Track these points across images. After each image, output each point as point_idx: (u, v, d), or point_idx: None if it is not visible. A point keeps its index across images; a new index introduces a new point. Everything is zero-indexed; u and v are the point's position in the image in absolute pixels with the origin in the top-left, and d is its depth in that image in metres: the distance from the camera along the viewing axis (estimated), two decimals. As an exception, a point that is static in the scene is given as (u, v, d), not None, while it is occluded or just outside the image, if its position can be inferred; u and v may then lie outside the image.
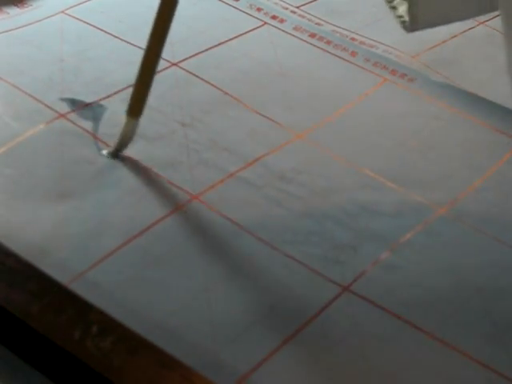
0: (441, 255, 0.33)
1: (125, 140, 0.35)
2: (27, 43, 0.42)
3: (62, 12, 0.44)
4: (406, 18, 0.33)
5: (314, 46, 0.45)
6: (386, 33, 0.47)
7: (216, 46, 0.43)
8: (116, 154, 0.35)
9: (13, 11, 0.44)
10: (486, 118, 0.41)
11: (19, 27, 0.43)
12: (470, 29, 0.48)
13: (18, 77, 0.39)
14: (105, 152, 0.36)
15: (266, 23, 0.46)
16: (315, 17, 0.47)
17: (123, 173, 0.35)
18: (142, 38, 0.43)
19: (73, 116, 0.37)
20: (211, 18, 0.46)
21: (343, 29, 0.47)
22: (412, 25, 0.33)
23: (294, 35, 0.45)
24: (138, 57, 0.41)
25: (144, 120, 0.38)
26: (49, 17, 0.44)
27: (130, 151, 0.36)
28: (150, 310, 0.29)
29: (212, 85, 0.40)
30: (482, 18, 0.49)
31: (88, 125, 0.37)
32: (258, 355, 0.28)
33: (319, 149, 0.37)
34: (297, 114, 0.39)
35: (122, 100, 0.39)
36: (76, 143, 0.36)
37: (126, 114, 0.35)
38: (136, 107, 0.35)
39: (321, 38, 0.45)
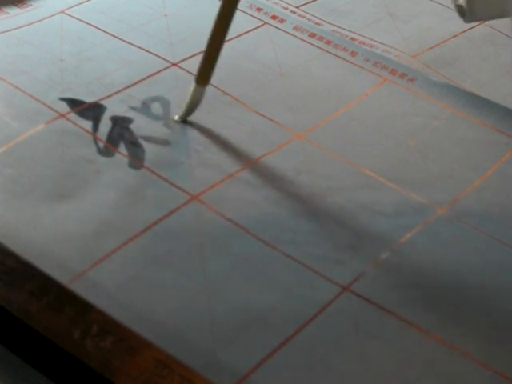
0: (441, 255, 0.33)
1: (192, 106, 0.38)
2: (27, 43, 0.42)
3: (62, 12, 0.44)
4: (465, 8, 0.33)
5: (314, 45, 0.45)
6: (385, 33, 0.47)
7: (216, 45, 0.43)
8: (185, 119, 0.38)
9: (13, 11, 0.44)
10: (485, 118, 0.41)
11: (19, 27, 0.43)
12: (470, 29, 0.48)
13: (17, 77, 0.39)
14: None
15: (265, 23, 0.46)
16: (315, 17, 0.47)
17: (123, 173, 0.35)
18: (142, 38, 0.43)
19: (73, 116, 0.37)
20: (211, 18, 0.45)
21: (343, 29, 0.47)
22: (470, 15, 0.33)
23: (293, 35, 0.45)
24: (137, 57, 0.42)
25: (143, 120, 0.38)
26: (49, 17, 0.44)
27: (123, 150, 0.36)
28: (150, 309, 0.29)
29: (212, 85, 0.40)
30: (481, 18, 0.49)
31: (88, 125, 0.37)
32: (257, 355, 0.28)
33: (319, 149, 0.37)
34: (297, 114, 0.39)
35: (122, 100, 0.39)
36: (76, 143, 0.36)
37: (194, 81, 0.37)
38: (204, 75, 0.37)
39: (321, 38, 0.45)
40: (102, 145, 0.36)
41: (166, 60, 0.42)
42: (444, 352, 0.29)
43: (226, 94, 0.40)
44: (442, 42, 0.47)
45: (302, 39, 0.45)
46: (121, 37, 0.43)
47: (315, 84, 0.42)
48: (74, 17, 0.44)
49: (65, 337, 0.27)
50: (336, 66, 0.43)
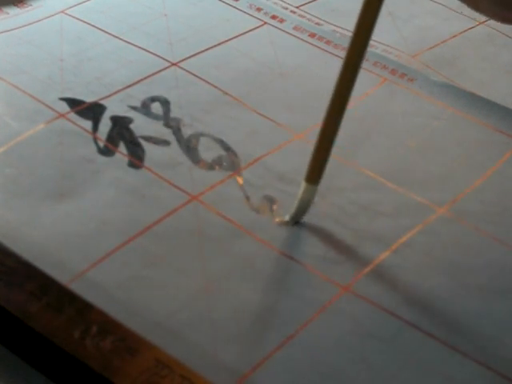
0: (441, 255, 0.33)
1: (303, 207, 0.33)
2: (27, 43, 0.42)
3: (62, 12, 0.44)
4: None
5: (314, 45, 0.45)
6: (385, 33, 0.47)
7: (216, 45, 0.43)
8: (294, 222, 0.33)
9: (13, 11, 0.44)
10: (485, 118, 0.41)
11: (19, 27, 0.43)
12: (469, 29, 0.48)
13: (17, 76, 0.39)
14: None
15: (265, 23, 0.46)
16: (315, 17, 0.47)
17: (123, 173, 0.35)
18: (142, 38, 0.43)
19: (73, 116, 0.37)
20: (211, 18, 0.46)
21: (343, 29, 0.47)
22: None
23: (293, 35, 0.45)
24: (137, 57, 0.42)
25: (143, 120, 0.38)
26: (49, 17, 0.44)
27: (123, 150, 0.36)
28: (150, 309, 0.29)
29: (212, 85, 0.40)
30: (482, 18, 0.49)
31: (88, 124, 0.37)
32: (257, 355, 0.28)
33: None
34: (297, 114, 0.39)
35: (122, 100, 0.39)
36: (76, 143, 0.36)
37: (304, 180, 0.33)
38: (315, 173, 0.33)
39: (320, 38, 0.45)
40: (101, 144, 0.36)
41: (165, 60, 0.42)
42: (444, 352, 0.29)
43: (226, 93, 0.40)
44: (442, 42, 0.47)
45: (301, 39, 0.45)
46: (121, 37, 0.43)
47: (315, 84, 0.42)
48: (73, 17, 0.44)
49: (65, 337, 0.27)
50: (336, 66, 0.43)
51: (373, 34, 0.46)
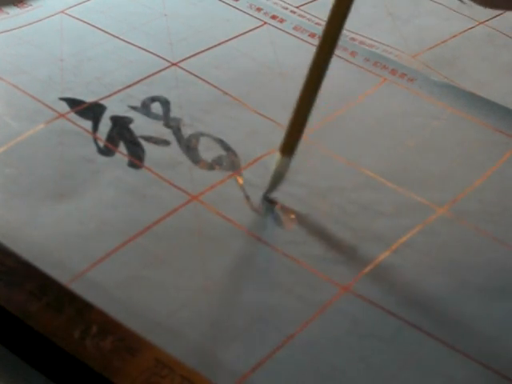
0: (441, 255, 0.33)
1: (277, 179, 0.34)
2: (27, 43, 0.42)
3: (62, 12, 0.44)
4: None
5: (314, 45, 0.44)
6: (385, 33, 0.47)
7: (216, 45, 0.43)
8: (269, 193, 0.34)
9: (13, 11, 0.44)
10: (485, 118, 0.41)
11: (19, 27, 0.43)
12: (469, 29, 0.48)
13: (17, 76, 0.39)
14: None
15: (265, 23, 0.46)
16: (315, 17, 0.47)
17: (123, 173, 0.35)
18: (142, 38, 0.43)
19: (73, 116, 0.37)
20: (211, 18, 0.46)
21: (343, 29, 0.46)
22: None
23: (293, 35, 0.45)
24: (137, 57, 0.42)
25: (143, 120, 0.38)
26: (49, 17, 0.44)
27: (124, 150, 0.36)
28: (150, 309, 0.29)
29: (212, 85, 0.40)
30: (482, 18, 0.49)
31: (88, 124, 0.37)
32: (257, 355, 0.28)
33: (319, 149, 0.37)
34: (297, 114, 0.39)
35: (122, 100, 0.39)
36: (76, 143, 0.36)
37: (278, 152, 0.34)
38: (290, 144, 0.34)
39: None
40: (101, 144, 0.36)
41: (165, 60, 0.42)
42: (444, 352, 0.29)
43: (226, 93, 0.40)
44: (442, 42, 0.47)
45: (301, 39, 0.45)
46: (121, 37, 0.43)
47: (315, 84, 0.42)
48: (73, 17, 0.44)
49: (65, 337, 0.27)
50: (336, 66, 0.43)
51: (373, 34, 0.47)
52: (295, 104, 0.33)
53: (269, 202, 0.34)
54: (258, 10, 0.47)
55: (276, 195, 0.35)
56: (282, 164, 0.34)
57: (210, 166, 0.36)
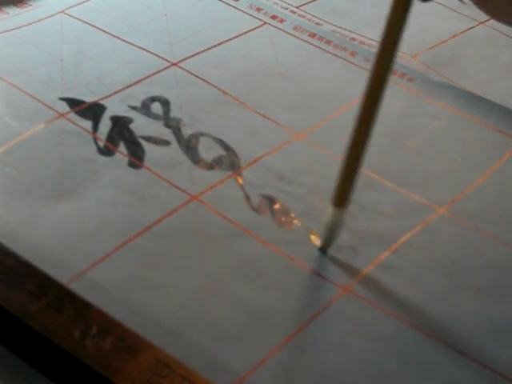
0: (441, 255, 0.33)
1: (333, 232, 0.32)
2: (27, 43, 0.42)
3: (62, 12, 0.44)
4: None
5: (314, 45, 0.45)
6: (385, 33, 0.47)
7: (216, 45, 0.43)
8: (326, 247, 0.32)
9: (13, 11, 0.44)
10: (485, 118, 0.41)
11: (19, 27, 0.43)
12: (469, 29, 0.48)
13: (17, 76, 0.39)
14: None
15: (265, 23, 0.46)
16: (315, 17, 0.47)
17: (123, 172, 0.35)
18: (142, 38, 0.43)
19: (73, 116, 0.37)
20: (211, 18, 0.46)
21: (343, 29, 0.47)
22: None
23: (293, 35, 0.45)
24: (137, 57, 0.42)
25: (143, 120, 0.38)
26: (49, 17, 0.44)
27: (122, 150, 0.36)
28: (150, 309, 0.29)
29: (212, 85, 0.40)
30: (482, 18, 0.49)
31: (88, 124, 0.37)
32: (257, 355, 0.28)
33: (319, 149, 0.37)
34: (297, 114, 0.39)
35: (122, 100, 0.39)
36: (76, 143, 0.36)
37: (331, 204, 0.32)
38: (343, 196, 0.31)
39: (320, 38, 0.45)
40: (101, 144, 0.36)
41: (165, 60, 0.42)
42: (444, 352, 0.29)
43: (226, 93, 0.40)
44: (442, 42, 0.47)
45: (301, 39, 0.45)
46: (121, 37, 0.43)
47: (315, 84, 0.42)
48: (73, 17, 0.44)
49: (65, 337, 0.27)
50: (336, 66, 0.43)
51: (373, 34, 0.46)
52: (346, 149, 0.31)
53: (322, 253, 0.32)
54: (258, 9, 0.47)
55: (276, 195, 0.35)
56: (336, 216, 0.32)
57: (210, 166, 0.36)
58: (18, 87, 0.38)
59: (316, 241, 0.33)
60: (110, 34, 0.43)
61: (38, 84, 0.39)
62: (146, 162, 0.35)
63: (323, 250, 0.32)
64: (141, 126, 0.37)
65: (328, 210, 0.32)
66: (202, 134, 0.37)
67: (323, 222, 0.32)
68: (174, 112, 0.38)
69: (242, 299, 0.30)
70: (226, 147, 0.37)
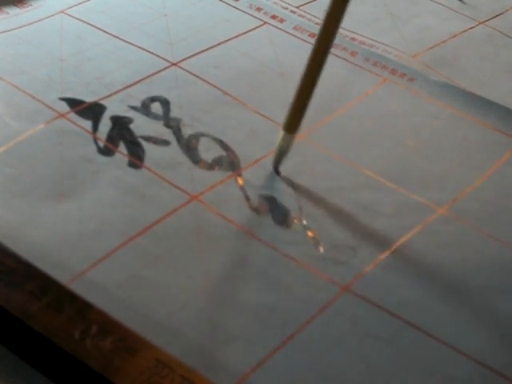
0: (441, 255, 0.33)
1: (281, 154, 0.36)
2: (27, 43, 0.42)
3: (62, 12, 0.44)
4: None
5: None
6: (385, 33, 0.47)
7: (216, 45, 0.43)
8: (276, 166, 0.36)
9: (13, 11, 0.44)
10: (485, 118, 0.41)
11: (19, 27, 0.43)
12: (469, 29, 0.48)
13: (17, 76, 0.39)
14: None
15: (265, 23, 0.46)
16: (315, 17, 0.47)
17: (123, 172, 0.35)
18: (142, 38, 0.43)
19: (73, 116, 0.37)
20: (211, 18, 0.46)
21: (343, 29, 0.46)
22: None
23: (293, 35, 0.45)
24: (137, 57, 0.42)
25: (143, 120, 0.38)
26: (49, 17, 0.44)
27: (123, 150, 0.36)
28: (150, 309, 0.29)
29: (212, 85, 0.40)
30: (482, 18, 0.49)
31: (88, 124, 0.37)
32: (257, 355, 0.28)
33: (319, 149, 0.38)
34: (297, 114, 0.39)
35: (122, 100, 0.39)
36: (76, 143, 0.36)
37: (282, 129, 0.35)
38: (293, 122, 0.35)
39: (321, 38, 0.45)
40: (101, 144, 0.36)
41: (165, 60, 0.42)
42: (444, 352, 0.29)
43: (226, 93, 0.40)
44: (442, 42, 0.47)
45: (302, 39, 0.45)
46: (121, 37, 0.43)
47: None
48: (73, 17, 0.44)
49: (65, 337, 0.27)
50: (336, 66, 0.43)
51: (373, 34, 0.47)
52: (299, 82, 0.34)
53: (276, 173, 0.36)
54: (258, 9, 0.47)
55: (276, 195, 0.35)
56: (285, 140, 0.35)
57: (210, 166, 0.36)
58: (18, 87, 0.38)
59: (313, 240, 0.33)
60: (110, 33, 0.43)
61: (38, 84, 0.39)
62: (146, 162, 0.35)
63: (276, 171, 0.36)
64: (141, 126, 0.37)
65: (279, 134, 0.35)
66: (202, 134, 0.37)
67: (275, 144, 0.36)
68: (174, 112, 0.38)
69: (241, 299, 0.30)
70: (226, 147, 0.37)
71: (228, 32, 0.45)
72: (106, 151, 0.36)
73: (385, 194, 0.36)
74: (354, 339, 0.29)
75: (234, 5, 0.47)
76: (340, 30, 0.46)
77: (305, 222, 0.34)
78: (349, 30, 0.46)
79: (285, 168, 0.36)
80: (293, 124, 0.35)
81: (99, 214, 0.33)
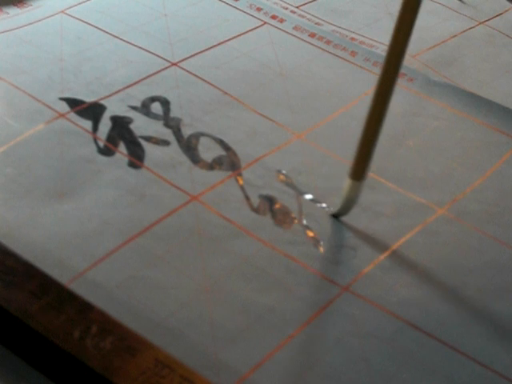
0: (441, 255, 0.33)
1: (349, 203, 0.33)
2: (27, 43, 0.42)
3: (62, 12, 0.44)
4: None
5: (314, 45, 0.45)
6: (385, 33, 0.47)
7: (216, 45, 0.43)
8: (340, 216, 0.34)
9: (13, 11, 0.44)
10: (485, 118, 0.41)
11: (19, 27, 0.43)
12: (469, 29, 0.48)
13: (17, 76, 0.39)
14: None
15: (265, 23, 0.46)
16: (315, 17, 0.47)
17: (123, 172, 0.35)
18: (142, 38, 0.43)
19: (73, 116, 0.37)
20: (211, 18, 0.46)
21: (343, 29, 0.47)
22: None
23: (293, 35, 0.45)
24: (137, 57, 0.42)
25: (143, 120, 0.38)
26: (49, 17, 0.44)
27: (123, 150, 0.36)
28: (150, 309, 0.29)
29: (212, 85, 0.40)
30: (482, 18, 0.49)
31: (88, 124, 0.37)
32: (257, 355, 0.28)
33: (319, 149, 0.38)
34: (297, 114, 0.39)
35: (122, 100, 0.39)
36: (76, 143, 0.36)
37: (348, 177, 0.33)
38: (360, 169, 0.33)
39: (321, 38, 0.45)
40: (101, 144, 0.36)
41: (165, 60, 0.42)
42: (444, 352, 0.29)
43: (226, 93, 0.40)
44: (442, 42, 0.47)
45: (302, 39, 0.45)
46: (121, 37, 0.43)
47: (315, 84, 0.42)
48: (73, 17, 0.44)
49: (65, 337, 0.27)
50: (336, 66, 0.43)
51: (373, 34, 0.47)
52: (363, 127, 0.32)
53: (335, 218, 0.34)
54: (258, 9, 0.47)
55: (276, 195, 0.35)
56: (353, 188, 0.33)
57: (210, 166, 0.36)
58: (18, 87, 0.38)
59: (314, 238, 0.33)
60: (110, 34, 0.43)
61: (37, 84, 0.39)
62: (146, 162, 0.35)
63: (336, 216, 0.34)
64: (141, 125, 0.37)
65: (346, 182, 0.33)
66: (202, 134, 0.37)
67: (341, 193, 0.33)
68: (174, 112, 0.38)
69: (242, 299, 0.30)
70: (226, 147, 0.37)
71: (228, 32, 0.45)
72: (106, 151, 0.36)
73: (385, 194, 0.36)
74: (353, 339, 0.29)
75: (233, 5, 0.47)
76: (340, 30, 0.47)
77: (305, 222, 0.34)
78: (349, 30, 0.46)
79: (285, 168, 0.36)
80: (360, 171, 0.33)
81: (99, 213, 0.33)
